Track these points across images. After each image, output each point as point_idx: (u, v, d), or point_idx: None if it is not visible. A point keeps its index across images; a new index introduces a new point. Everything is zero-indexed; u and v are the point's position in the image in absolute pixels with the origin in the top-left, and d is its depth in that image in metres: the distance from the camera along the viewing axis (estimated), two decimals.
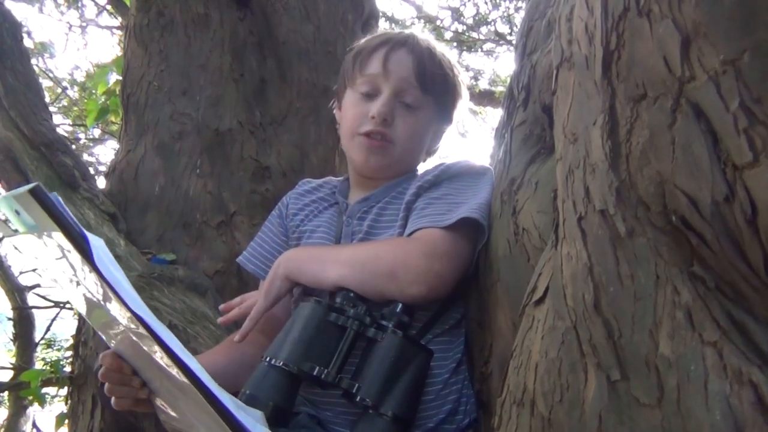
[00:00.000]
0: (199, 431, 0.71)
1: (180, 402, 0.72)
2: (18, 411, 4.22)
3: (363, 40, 1.18)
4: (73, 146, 3.05)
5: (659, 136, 0.54)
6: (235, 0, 2.08)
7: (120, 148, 2.01)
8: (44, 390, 2.69)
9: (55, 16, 5.39)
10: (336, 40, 2.10)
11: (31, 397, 2.78)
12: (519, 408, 0.70)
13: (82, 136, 5.60)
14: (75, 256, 0.58)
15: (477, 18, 5.88)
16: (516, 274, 0.89)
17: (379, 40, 1.14)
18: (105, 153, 5.89)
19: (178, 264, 1.72)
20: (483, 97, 5.94)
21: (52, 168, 1.77)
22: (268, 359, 0.87)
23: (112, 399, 0.89)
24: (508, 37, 5.70)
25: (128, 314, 0.59)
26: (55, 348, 4.50)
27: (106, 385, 0.88)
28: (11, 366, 4.07)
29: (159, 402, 0.85)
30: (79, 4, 5.12)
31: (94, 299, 0.66)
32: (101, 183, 1.99)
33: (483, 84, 6.03)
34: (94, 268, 0.57)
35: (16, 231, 0.63)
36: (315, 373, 0.86)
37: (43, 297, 4.37)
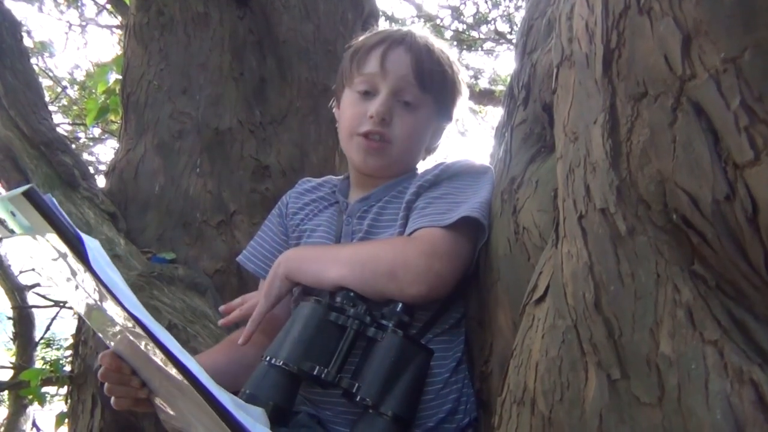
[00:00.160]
0: (198, 430, 0.71)
1: (179, 401, 0.72)
2: (18, 410, 4.22)
3: (360, 39, 1.17)
4: (73, 145, 3.05)
5: (660, 135, 0.54)
6: None
7: (120, 148, 2.01)
8: (44, 389, 2.69)
9: (55, 15, 5.39)
10: (336, 39, 2.10)
11: (31, 396, 2.78)
12: (519, 407, 0.70)
13: (81, 135, 5.60)
14: (71, 258, 0.58)
15: (477, 17, 5.88)
16: (516, 273, 0.89)
17: (376, 38, 1.13)
18: (105, 152, 5.90)
19: (178, 263, 1.72)
20: (483, 96, 5.94)
21: (52, 167, 1.77)
22: (268, 359, 0.87)
23: (112, 399, 0.89)
24: (508, 36, 5.71)
25: (125, 315, 0.59)
26: (54, 347, 4.50)
27: (106, 384, 0.88)
28: (11, 365, 4.07)
29: (158, 401, 0.85)
30: (79, 3, 5.11)
31: (92, 300, 0.66)
32: (101, 182, 1.99)
33: (483, 83, 6.03)
34: (90, 269, 0.57)
35: (12, 232, 0.63)
36: (315, 373, 0.85)
37: (43, 296, 4.37)
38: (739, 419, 0.49)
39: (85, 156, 5.39)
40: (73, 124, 5.38)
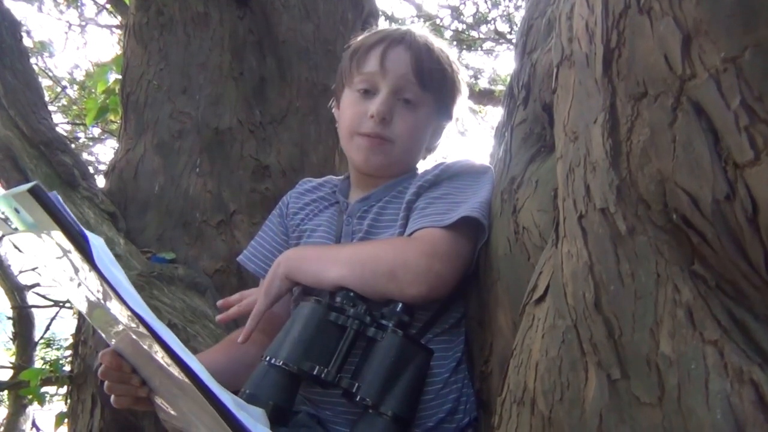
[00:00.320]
0: (199, 430, 0.71)
1: (180, 401, 0.72)
2: (18, 410, 4.22)
3: (359, 38, 1.17)
4: (73, 145, 3.05)
5: (660, 135, 0.54)
6: None
7: (119, 147, 2.01)
8: (44, 389, 2.69)
9: (55, 15, 5.39)
10: (336, 39, 2.10)
11: (30, 396, 2.78)
12: (519, 407, 0.70)
13: (81, 135, 5.60)
14: (75, 255, 0.58)
15: (477, 17, 5.88)
16: (516, 272, 0.89)
17: (375, 37, 1.13)
18: (104, 152, 5.89)
19: (177, 263, 1.72)
20: (483, 96, 5.94)
21: (52, 167, 1.76)
22: (267, 358, 0.87)
23: (112, 397, 0.89)
24: (508, 36, 5.70)
25: (128, 313, 0.59)
26: (54, 347, 4.50)
27: (106, 383, 0.88)
28: (11, 365, 4.07)
29: (158, 400, 0.85)
30: (79, 3, 5.11)
31: (95, 298, 0.66)
32: (101, 182, 1.99)
33: (483, 83, 6.03)
34: (94, 267, 0.57)
35: (15, 229, 0.63)
36: (315, 373, 0.85)
37: (43, 296, 4.37)
38: (739, 419, 0.49)
39: (85, 156, 5.39)
40: (72, 123, 5.38)
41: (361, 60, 1.12)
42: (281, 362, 0.85)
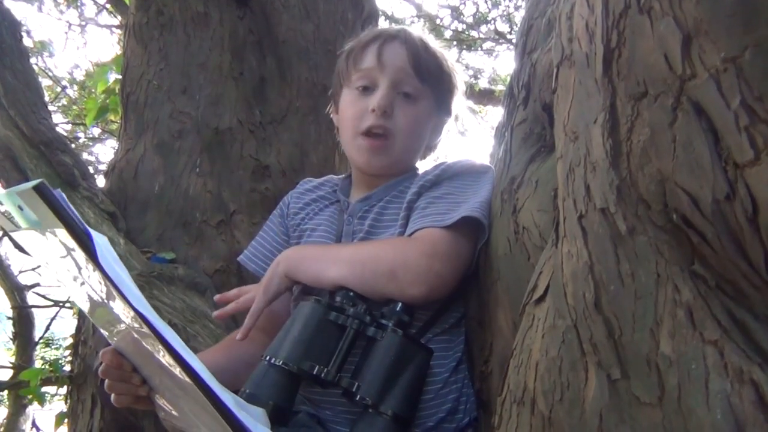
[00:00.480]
0: (199, 429, 0.71)
1: (180, 400, 0.72)
2: (18, 410, 4.22)
3: (354, 40, 1.18)
4: (73, 145, 3.05)
5: (660, 135, 0.54)
6: None
7: (119, 147, 2.01)
8: (44, 389, 2.68)
9: (55, 15, 5.39)
10: (336, 39, 2.10)
11: (30, 396, 2.78)
12: (519, 407, 0.70)
13: (81, 135, 5.60)
14: (79, 254, 0.58)
15: (477, 17, 5.88)
16: (516, 272, 0.89)
17: (371, 35, 1.15)
18: (104, 152, 5.90)
19: (177, 263, 1.72)
20: (483, 96, 5.94)
21: (52, 167, 1.77)
22: (267, 358, 0.87)
23: (112, 396, 0.89)
24: (508, 36, 5.70)
25: (131, 312, 0.59)
26: (54, 347, 4.51)
27: (106, 381, 0.88)
28: (11, 365, 4.07)
29: (159, 399, 0.85)
30: (79, 3, 5.11)
31: (97, 297, 0.66)
32: (101, 182, 1.99)
33: (483, 83, 6.03)
34: (98, 265, 0.57)
35: (18, 227, 0.63)
36: (315, 372, 0.85)
37: (43, 296, 4.37)
38: (739, 419, 0.49)
39: (85, 156, 5.39)
40: (72, 123, 5.38)
41: (358, 57, 1.12)
42: (281, 362, 0.85)
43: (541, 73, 0.95)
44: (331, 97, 1.23)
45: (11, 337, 4.25)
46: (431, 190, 1.05)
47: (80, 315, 1.83)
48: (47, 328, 4.18)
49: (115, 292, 0.58)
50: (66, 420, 1.77)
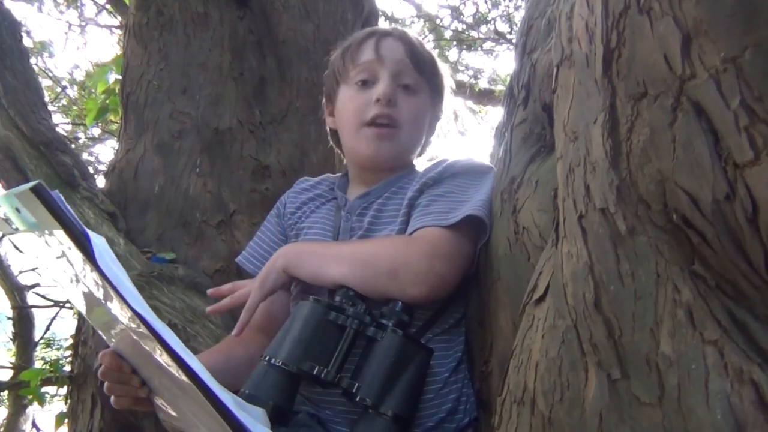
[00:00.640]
0: (199, 430, 0.71)
1: (180, 401, 0.72)
2: (18, 410, 4.22)
3: (347, 40, 1.19)
4: (73, 145, 3.05)
5: (660, 135, 0.54)
6: None
7: (119, 147, 2.01)
8: (44, 389, 2.68)
9: (55, 15, 5.39)
10: (336, 39, 2.09)
11: (30, 397, 2.77)
12: (519, 407, 0.70)
13: (81, 135, 5.60)
14: (76, 255, 0.58)
15: (477, 17, 5.88)
16: (516, 272, 0.89)
17: (365, 33, 1.16)
18: (104, 152, 5.89)
19: (177, 263, 1.72)
20: (483, 96, 5.94)
21: (52, 167, 1.77)
22: (267, 358, 0.87)
23: (112, 398, 0.89)
24: (508, 36, 5.70)
25: (129, 313, 0.59)
26: (54, 347, 4.50)
27: (106, 383, 0.88)
28: (11, 365, 4.07)
29: (158, 401, 0.85)
30: (79, 3, 5.11)
31: (95, 298, 0.66)
32: (101, 182, 1.99)
33: (483, 83, 6.03)
34: (96, 266, 0.57)
35: (16, 229, 0.63)
36: (315, 373, 0.85)
37: (43, 296, 4.37)
38: (739, 419, 0.49)
39: (85, 156, 5.38)
40: (72, 124, 5.38)
41: (355, 53, 1.13)
42: (281, 362, 0.85)
43: (541, 73, 0.95)
44: (325, 99, 1.23)
45: (11, 337, 4.25)
46: (433, 187, 1.05)
47: (80, 315, 1.83)
48: (47, 329, 4.18)
49: (113, 293, 0.58)
50: (66, 420, 1.78)
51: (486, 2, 5.77)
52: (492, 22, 5.88)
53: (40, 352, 4.33)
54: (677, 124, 0.52)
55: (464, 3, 5.88)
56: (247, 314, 0.99)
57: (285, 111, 2.04)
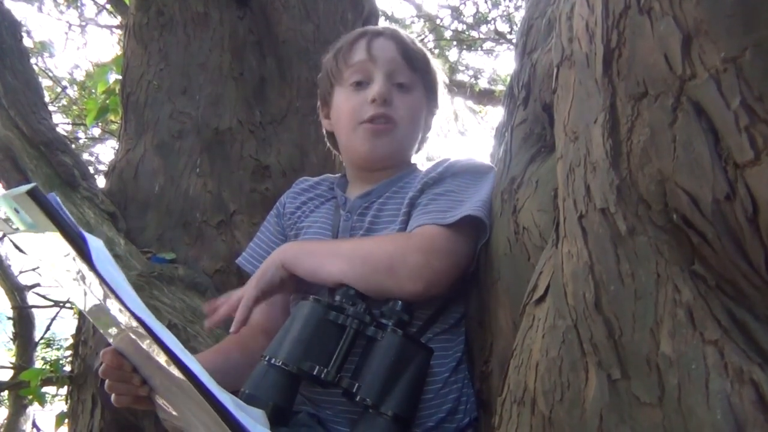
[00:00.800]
0: (198, 430, 0.71)
1: (180, 400, 0.72)
2: (18, 410, 4.22)
3: (338, 42, 1.20)
4: (73, 145, 3.05)
5: (660, 135, 0.54)
6: None
7: (119, 148, 2.01)
8: (44, 389, 2.69)
9: (55, 15, 5.39)
10: (336, 39, 2.10)
11: (30, 397, 2.77)
12: (519, 407, 0.70)
13: (81, 135, 5.60)
14: (76, 256, 0.58)
15: (477, 17, 5.88)
16: (516, 272, 0.89)
17: (355, 33, 1.17)
18: (105, 152, 5.90)
19: (177, 263, 1.72)
20: (483, 96, 5.94)
21: (52, 167, 1.77)
22: (267, 358, 0.87)
23: (112, 396, 0.89)
24: (508, 36, 5.70)
25: (128, 314, 0.59)
26: (54, 347, 4.50)
27: (106, 382, 0.88)
28: (11, 365, 4.07)
29: (159, 400, 0.85)
30: (79, 3, 5.12)
31: (96, 298, 0.66)
32: (101, 182, 1.99)
33: (483, 83, 6.03)
34: (93, 268, 0.57)
35: (17, 229, 0.63)
36: (315, 373, 0.85)
37: (43, 296, 4.38)
38: (739, 419, 0.49)
39: (85, 156, 5.39)
40: (72, 124, 5.38)
41: (347, 54, 1.14)
42: (281, 362, 0.85)
43: (541, 73, 0.95)
44: (320, 102, 1.23)
45: (11, 337, 4.25)
46: (433, 187, 1.05)
47: (80, 315, 1.83)
48: (47, 329, 4.18)
49: (110, 294, 0.58)
50: (66, 420, 1.78)
51: (486, 2, 5.78)
52: (492, 22, 5.88)
53: (40, 352, 4.34)
54: (677, 124, 0.52)
55: (464, 3, 5.88)
56: (243, 310, 0.96)
57: (285, 111, 2.04)
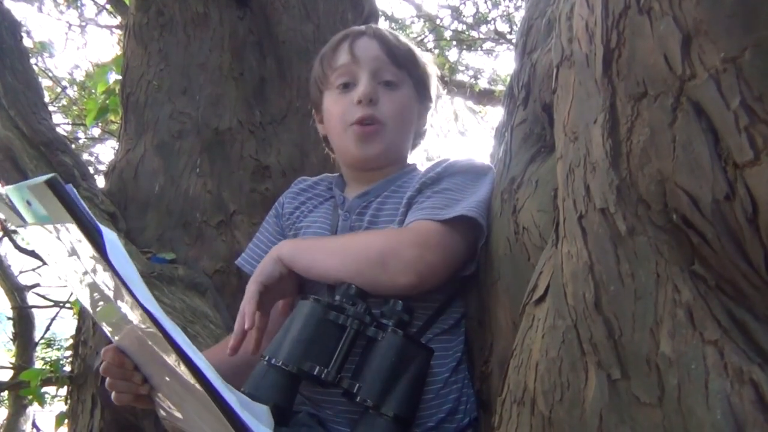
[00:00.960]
0: (201, 429, 0.71)
1: (184, 401, 0.72)
2: (18, 410, 4.22)
3: (323, 48, 1.20)
4: (73, 145, 3.05)
5: (660, 135, 0.54)
6: None
7: (119, 148, 2.01)
8: (44, 389, 2.69)
9: (55, 16, 5.40)
10: None
11: (30, 397, 2.78)
12: (519, 407, 0.70)
13: (81, 135, 5.60)
14: (87, 252, 0.58)
15: (477, 17, 5.88)
16: (516, 272, 0.89)
17: (338, 37, 1.17)
18: (104, 152, 5.90)
19: (177, 263, 1.72)
20: (483, 96, 5.94)
21: (52, 167, 1.77)
22: (267, 358, 0.87)
23: (112, 394, 0.89)
24: (508, 36, 5.70)
25: (139, 311, 0.58)
26: (54, 347, 4.50)
27: (107, 379, 0.88)
28: (11, 365, 4.07)
29: (159, 398, 0.85)
30: (79, 4, 5.11)
31: (105, 296, 0.66)
32: (101, 182, 1.99)
33: (483, 83, 6.03)
34: (107, 262, 0.56)
35: (25, 222, 0.63)
36: (315, 373, 0.85)
37: (43, 296, 4.38)
38: (739, 419, 0.49)
39: (85, 156, 5.39)
40: (72, 124, 5.38)
41: (331, 58, 1.14)
42: (281, 362, 0.85)
43: (541, 74, 0.95)
44: (313, 108, 1.24)
45: (11, 337, 4.25)
46: (431, 186, 1.05)
47: (81, 315, 1.83)
48: (47, 329, 4.18)
49: (123, 290, 0.58)
50: (66, 420, 1.78)
51: (486, 2, 5.77)
52: (492, 22, 5.88)
53: (40, 352, 4.33)
54: (677, 124, 0.52)
55: (464, 3, 5.88)
56: (251, 304, 0.94)
57: (285, 111, 2.04)
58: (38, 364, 4.05)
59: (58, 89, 5.32)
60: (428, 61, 1.21)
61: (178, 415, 0.80)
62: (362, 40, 1.14)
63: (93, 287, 0.68)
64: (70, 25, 5.23)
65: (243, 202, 1.87)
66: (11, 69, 1.86)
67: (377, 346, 0.88)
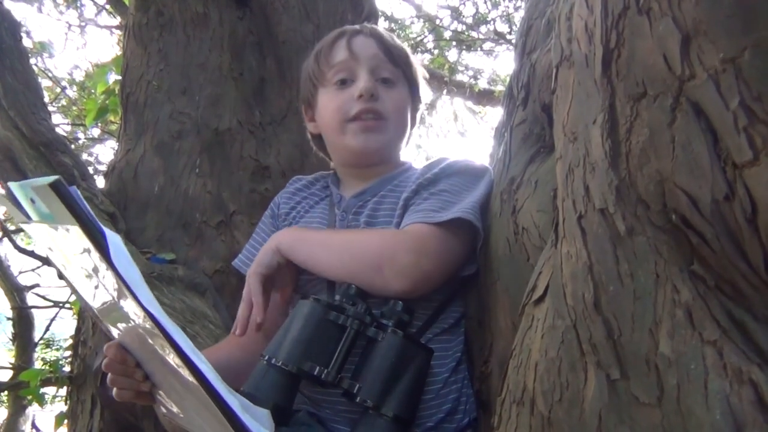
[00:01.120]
0: (201, 428, 0.71)
1: (185, 399, 0.72)
2: (17, 411, 4.22)
3: (317, 45, 1.20)
4: (72, 146, 3.05)
5: (659, 135, 0.54)
6: None
7: (119, 148, 2.01)
8: (43, 390, 2.69)
9: (54, 16, 5.39)
10: None
11: (30, 397, 2.78)
12: (519, 407, 0.70)
13: (81, 135, 5.59)
14: (93, 252, 0.58)
15: (476, 17, 5.88)
16: (516, 273, 0.89)
17: (334, 34, 1.18)
18: (104, 152, 5.89)
19: (177, 263, 1.72)
20: (482, 97, 5.94)
21: (51, 167, 1.76)
22: (267, 358, 0.87)
23: (114, 390, 0.89)
24: (508, 36, 5.70)
25: (142, 312, 0.58)
26: (54, 348, 4.50)
27: (109, 375, 0.88)
28: (10, 366, 4.07)
29: (160, 396, 0.85)
30: (78, 4, 5.11)
31: (109, 295, 0.66)
32: (100, 182, 1.99)
33: (482, 83, 6.03)
34: (110, 264, 0.56)
35: (30, 219, 0.63)
36: (315, 373, 0.85)
37: (43, 297, 4.37)
38: (738, 419, 0.49)
39: (85, 156, 5.38)
40: (72, 124, 5.38)
41: (328, 55, 1.15)
42: (280, 362, 0.85)
43: (541, 74, 0.95)
44: (303, 105, 1.23)
45: (11, 337, 4.25)
46: (428, 187, 1.05)
47: (80, 316, 1.83)
48: (47, 329, 4.18)
49: (126, 292, 0.58)
50: (66, 421, 1.77)
51: (486, 2, 5.78)
52: (492, 22, 5.88)
53: (39, 352, 4.34)
54: (676, 125, 0.53)
55: (464, 3, 5.88)
56: (258, 297, 0.97)
57: (285, 111, 2.04)
58: (38, 365, 4.05)
59: (58, 89, 5.32)
60: (418, 63, 1.23)
61: (179, 413, 0.80)
62: (360, 38, 1.14)
63: (95, 285, 0.68)
64: (70, 25, 5.24)
65: (243, 202, 1.87)
66: (11, 69, 1.86)
67: (377, 347, 0.88)
